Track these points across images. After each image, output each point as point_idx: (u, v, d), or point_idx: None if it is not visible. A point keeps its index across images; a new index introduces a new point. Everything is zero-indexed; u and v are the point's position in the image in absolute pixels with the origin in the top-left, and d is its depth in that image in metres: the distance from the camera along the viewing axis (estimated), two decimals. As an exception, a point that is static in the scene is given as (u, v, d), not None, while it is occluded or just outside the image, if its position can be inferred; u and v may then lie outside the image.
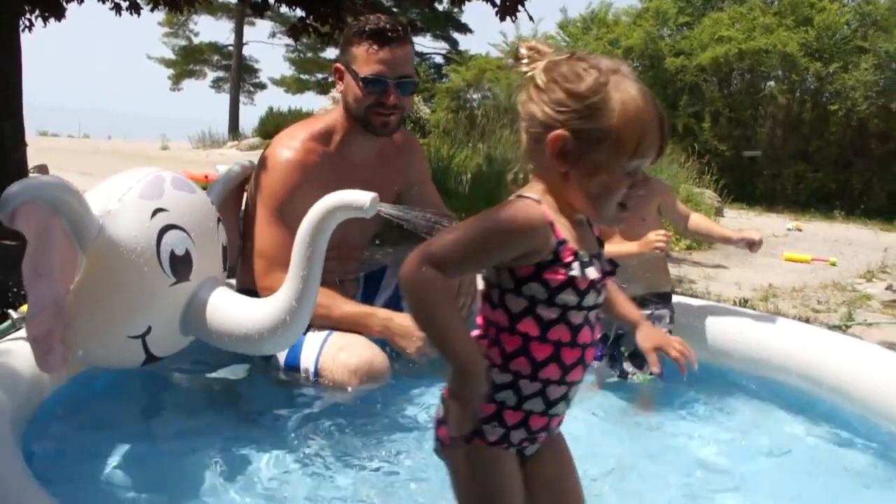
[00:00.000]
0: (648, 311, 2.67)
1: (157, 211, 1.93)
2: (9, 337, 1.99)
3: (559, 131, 1.33)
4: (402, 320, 2.43)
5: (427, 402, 2.46)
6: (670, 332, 2.67)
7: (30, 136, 6.33)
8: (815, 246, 9.61)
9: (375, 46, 2.43)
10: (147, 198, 1.94)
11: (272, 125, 23.30)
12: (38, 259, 1.71)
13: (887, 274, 7.27)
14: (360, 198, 1.85)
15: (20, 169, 6.19)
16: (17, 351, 1.92)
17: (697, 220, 2.86)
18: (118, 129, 31.44)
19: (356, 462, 2.03)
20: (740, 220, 12.17)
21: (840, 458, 2.28)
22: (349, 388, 2.31)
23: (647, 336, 1.96)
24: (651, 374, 2.65)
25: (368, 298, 2.72)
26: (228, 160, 17.87)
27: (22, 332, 1.97)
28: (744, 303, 5.40)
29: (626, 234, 2.66)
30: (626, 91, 1.33)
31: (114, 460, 1.94)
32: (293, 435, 2.14)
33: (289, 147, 2.45)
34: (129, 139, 25.80)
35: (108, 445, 1.99)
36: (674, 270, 7.32)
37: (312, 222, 1.88)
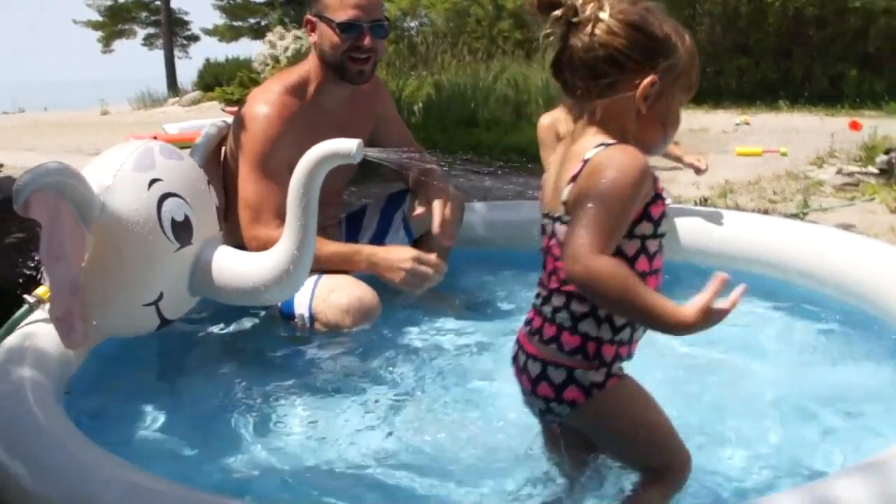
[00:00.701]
0: None
1: (153, 181, 2.00)
2: (29, 319, 2.06)
3: (651, 75, 1.40)
4: (386, 254, 2.54)
5: (421, 332, 2.61)
6: None
7: (-42, 116, 6.21)
8: (763, 138, 9.79)
9: None
10: (141, 170, 2.00)
11: (211, 76, 22.83)
12: (53, 243, 1.79)
13: (836, 158, 7.47)
14: (347, 145, 1.94)
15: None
16: (42, 332, 2.00)
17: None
18: (54, 99, 30.58)
19: (366, 397, 2.18)
20: (689, 120, 12.31)
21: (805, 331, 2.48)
22: (344, 329, 2.43)
23: None
24: None
25: (351, 239, 2.83)
26: (173, 118, 17.61)
27: (40, 314, 2.05)
28: (704, 201, 5.57)
29: None
30: (680, 31, 1.44)
31: (143, 421, 2.07)
32: (300, 379, 2.28)
33: (265, 102, 2.51)
34: (67, 108, 25.16)
35: (136, 407, 2.11)
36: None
37: (304, 173, 1.96)
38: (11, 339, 1.99)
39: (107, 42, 32.46)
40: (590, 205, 1.35)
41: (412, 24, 22.56)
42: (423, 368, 2.36)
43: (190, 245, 2.06)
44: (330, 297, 2.43)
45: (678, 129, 1.49)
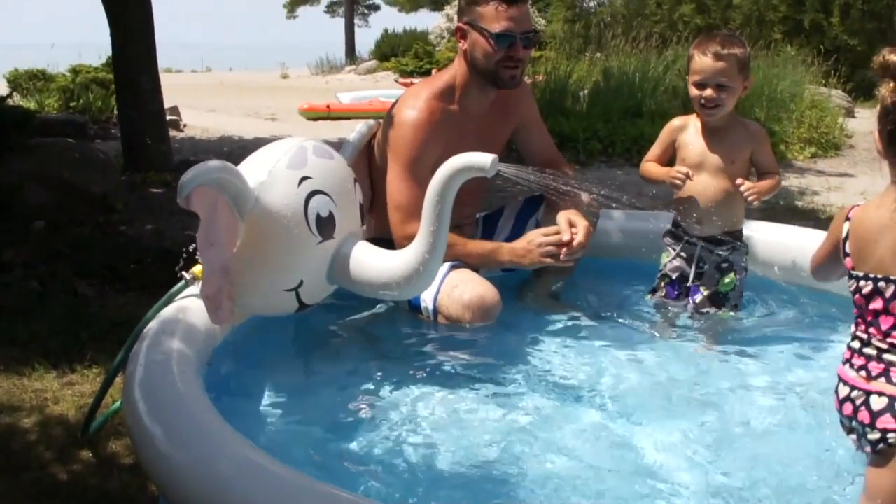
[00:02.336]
0: (723, 252, 2.78)
1: (303, 179, 2.17)
2: (182, 295, 2.30)
3: None
4: (519, 244, 2.67)
5: (540, 336, 2.69)
6: (745, 269, 2.82)
7: (158, 74, 6.68)
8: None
9: (504, 5, 2.61)
10: (294, 168, 2.18)
11: (387, 47, 23.51)
12: (209, 231, 1.99)
13: None
14: (482, 160, 2.03)
15: (158, 120, 6.59)
16: (192, 307, 2.22)
17: (766, 182, 2.78)
18: (238, 61, 32.30)
19: (476, 391, 2.31)
20: (873, 121, 11.52)
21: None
22: (465, 325, 2.55)
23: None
24: (730, 312, 2.79)
25: (487, 238, 2.94)
26: (348, 86, 18.25)
27: (192, 291, 2.27)
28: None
29: (715, 171, 2.72)
30: None
31: (271, 398, 2.28)
32: (421, 370, 2.43)
33: (414, 107, 2.64)
34: (250, 70, 26.54)
35: (267, 383, 2.32)
36: (797, 181, 7.20)
37: (440, 182, 2.08)
38: (168, 311, 2.22)
39: (291, 8, 33.91)
40: None
41: (591, 4, 22.30)
42: (533, 372, 2.45)
43: (332, 239, 2.22)
44: (454, 292, 2.55)
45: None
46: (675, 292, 2.87)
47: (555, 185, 2.51)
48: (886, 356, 1.69)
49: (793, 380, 2.44)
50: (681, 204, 2.81)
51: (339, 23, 32.83)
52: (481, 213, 3.04)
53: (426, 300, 2.60)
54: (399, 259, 2.21)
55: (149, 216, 5.16)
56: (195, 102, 13.59)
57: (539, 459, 2.00)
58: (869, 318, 1.72)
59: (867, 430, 1.69)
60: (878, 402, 1.68)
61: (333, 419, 2.16)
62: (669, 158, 2.87)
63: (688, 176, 2.70)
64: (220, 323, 2.18)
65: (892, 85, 1.67)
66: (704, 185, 2.74)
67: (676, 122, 2.85)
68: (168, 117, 9.63)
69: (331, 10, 34.34)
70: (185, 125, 10.15)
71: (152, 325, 2.16)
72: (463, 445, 2.06)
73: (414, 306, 2.64)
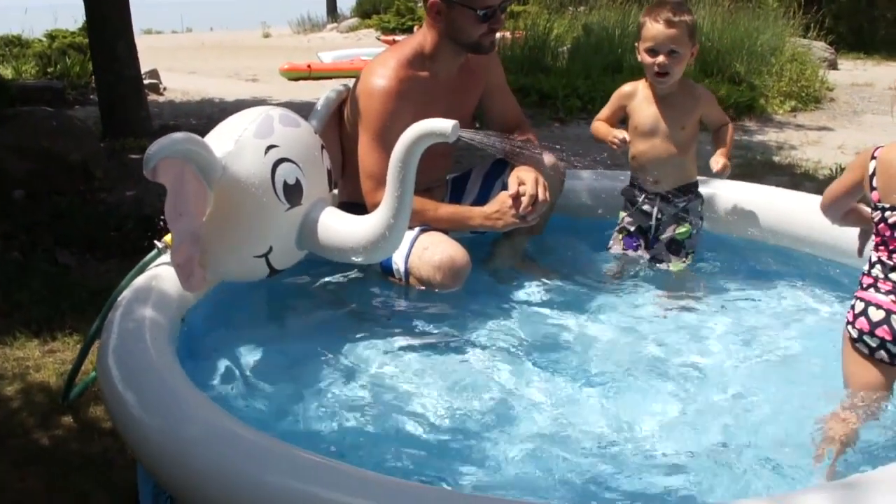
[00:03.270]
0: (681, 203, 2.89)
1: (269, 148, 2.21)
2: (154, 264, 2.35)
3: None
4: (492, 206, 2.71)
5: (510, 296, 2.76)
6: (701, 218, 2.95)
7: (136, 35, 6.62)
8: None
9: None
10: (260, 136, 2.22)
11: (369, 3, 23.21)
12: (176, 202, 2.03)
13: None
14: (443, 125, 2.08)
15: (135, 85, 6.56)
16: (164, 275, 2.28)
17: (721, 133, 2.94)
18: (219, 19, 31.94)
19: (451, 356, 2.38)
20: (855, 73, 11.65)
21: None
22: (436, 287, 2.61)
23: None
24: (684, 260, 2.92)
25: (455, 201, 2.99)
26: (330, 44, 18.01)
27: (165, 259, 2.32)
28: (841, 170, 5.37)
29: (666, 137, 2.85)
30: None
31: (242, 358, 2.35)
32: (392, 330, 2.50)
33: (383, 76, 2.67)
34: (231, 29, 26.24)
35: (238, 345, 2.38)
36: (775, 136, 7.25)
37: (402, 149, 2.13)
38: (141, 279, 2.28)
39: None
40: None
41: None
42: (506, 332, 2.52)
43: (300, 205, 2.27)
44: (424, 254, 2.61)
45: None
46: (635, 243, 2.98)
47: (517, 148, 2.56)
48: None
49: (752, 324, 2.59)
50: (636, 164, 2.94)
51: (321, -22, 32.46)
52: (451, 176, 3.09)
53: (397, 262, 2.66)
54: (365, 224, 2.26)
55: (128, 183, 5.18)
56: (175, 65, 13.48)
57: (509, 420, 2.07)
58: (880, 241, 1.96)
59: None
60: None
61: (303, 381, 2.23)
62: (619, 120, 2.98)
63: (624, 142, 2.83)
64: (193, 290, 2.24)
65: None
66: (658, 150, 2.86)
67: (626, 88, 2.95)
68: (148, 81, 9.57)
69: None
70: (165, 88, 10.08)
71: (126, 293, 2.22)
72: (432, 407, 2.13)
73: (385, 268, 2.69)
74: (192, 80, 11.59)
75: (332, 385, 2.23)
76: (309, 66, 12.37)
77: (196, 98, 9.47)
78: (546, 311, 2.68)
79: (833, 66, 11.45)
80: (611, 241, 3.05)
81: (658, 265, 2.95)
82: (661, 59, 2.72)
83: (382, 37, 17.35)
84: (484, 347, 2.44)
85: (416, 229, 2.65)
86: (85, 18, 6.89)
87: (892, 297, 1.92)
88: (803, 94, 8.81)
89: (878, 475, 1.48)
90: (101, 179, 5.25)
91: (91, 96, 8.56)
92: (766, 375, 2.26)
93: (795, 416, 2.02)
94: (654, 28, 2.73)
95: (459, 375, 2.28)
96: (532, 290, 2.83)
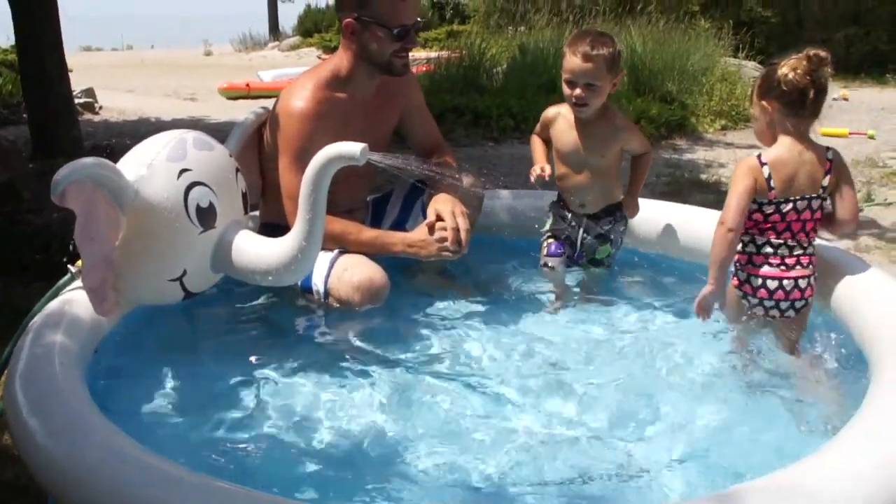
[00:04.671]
0: (606, 226, 2.97)
1: (182, 171, 2.23)
2: (69, 288, 2.34)
3: None
4: (415, 235, 2.75)
5: (431, 314, 2.81)
6: (621, 240, 3.05)
7: (74, 52, 6.58)
8: (858, 117, 9.51)
9: (400, 1, 2.70)
10: (173, 160, 2.23)
11: (311, 22, 23.24)
12: (86, 226, 2.04)
13: (926, 146, 7.24)
14: (352, 149, 2.13)
15: (65, 103, 6.46)
16: (78, 300, 2.27)
17: (638, 167, 3.03)
18: (160, 36, 31.63)
19: (368, 373, 2.41)
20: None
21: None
22: (355, 307, 2.64)
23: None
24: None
25: (376, 222, 3.04)
26: (271, 63, 17.95)
27: (79, 283, 2.32)
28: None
29: (587, 164, 2.91)
30: None
31: (161, 384, 2.34)
32: (309, 353, 2.52)
33: (301, 98, 2.71)
34: (172, 47, 26.02)
35: (152, 370, 2.38)
36: (705, 154, 7.43)
37: (312, 173, 2.17)
38: (53, 304, 2.27)
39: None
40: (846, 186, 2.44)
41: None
42: (427, 350, 2.57)
43: (213, 229, 2.29)
44: (344, 274, 2.65)
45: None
46: (560, 250, 3.00)
47: (431, 173, 2.62)
48: (797, 251, 2.44)
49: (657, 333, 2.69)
50: (561, 186, 3.01)
51: (264, -5, 32.36)
52: (372, 196, 3.13)
53: (317, 283, 2.68)
54: (278, 246, 2.29)
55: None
56: (113, 83, 13.33)
57: (429, 440, 2.09)
58: (782, 228, 2.42)
59: (797, 302, 2.45)
60: (803, 282, 2.44)
61: (216, 404, 2.22)
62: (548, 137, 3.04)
63: (541, 178, 2.90)
64: (106, 314, 2.24)
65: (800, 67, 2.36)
66: (579, 175, 2.93)
67: (550, 111, 3.01)
68: (83, 100, 9.46)
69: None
70: (100, 107, 9.96)
71: (36, 319, 2.21)
72: (349, 427, 2.14)
73: (305, 289, 2.72)
74: (130, 98, 11.47)
75: (245, 407, 2.23)
76: (248, 86, 12.34)
77: (132, 118, 9.37)
78: (467, 328, 2.73)
79: (764, 85, 11.76)
80: (541, 248, 3.04)
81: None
82: (577, 91, 2.77)
83: (324, 55, 17.39)
84: (404, 365, 2.47)
85: (336, 250, 2.69)
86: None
87: (783, 267, 2.44)
88: (733, 113, 9.05)
89: (758, 484, 1.55)
90: (28, 201, 5.17)
91: (25, 115, 8.42)
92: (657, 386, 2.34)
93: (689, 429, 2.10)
94: (572, 61, 2.77)
95: (379, 393, 2.30)
96: (453, 308, 2.87)
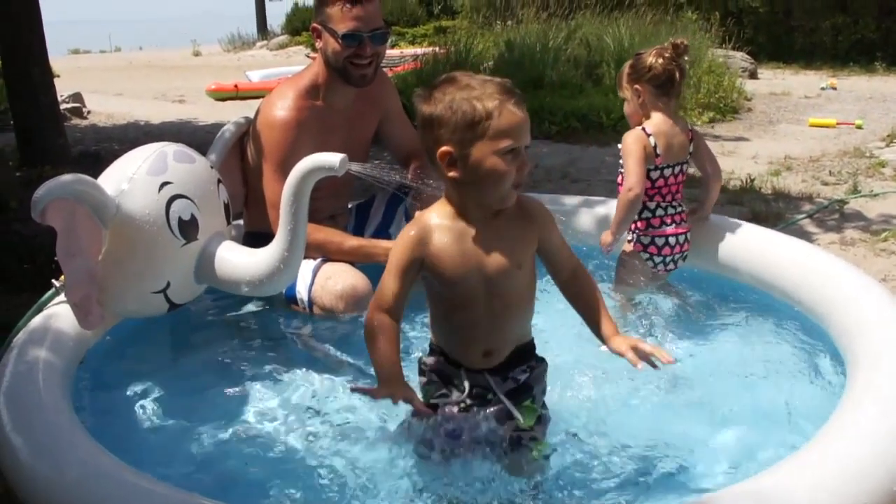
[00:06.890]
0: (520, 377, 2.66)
1: (163, 185, 2.24)
2: (53, 303, 2.35)
3: None
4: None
5: (416, 322, 2.80)
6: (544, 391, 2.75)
7: (63, 56, 6.56)
8: (846, 106, 9.52)
9: (349, 5, 2.67)
10: (154, 174, 2.25)
11: (299, 21, 23.19)
12: (68, 243, 2.05)
13: (913, 135, 7.21)
14: (331, 160, 2.13)
15: (52, 111, 6.45)
16: (63, 314, 2.28)
17: None
18: (149, 37, 31.54)
19: (354, 381, 2.39)
20: (774, 82, 12.01)
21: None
22: (339, 315, 2.65)
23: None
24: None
25: (359, 227, 3.05)
26: (260, 62, 17.85)
27: (63, 297, 2.33)
28: (751, 181, 5.53)
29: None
30: None
31: (148, 395, 2.34)
32: (295, 363, 2.51)
33: (282, 108, 2.72)
34: (161, 48, 25.95)
35: (142, 383, 2.38)
36: (693, 147, 7.42)
37: (293, 183, 2.18)
38: (36, 320, 2.28)
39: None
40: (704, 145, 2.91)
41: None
42: (412, 357, 2.56)
43: (196, 241, 2.30)
44: (327, 283, 2.66)
45: None
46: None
47: (409, 182, 2.62)
48: (680, 209, 2.86)
49: None
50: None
51: (252, -6, 32.27)
52: (355, 202, 3.14)
53: (301, 291, 2.70)
54: (261, 257, 2.30)
55: (45, 213, 5.08)
56: (101, 87, 13.28)
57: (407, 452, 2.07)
58: (665, 191, 2.82)
59: (685, 253, 2.87)
60: (687, 236, 2.85)
61: (203, 416, 2.23)
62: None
63: None
64: (91, 328, 2.24)
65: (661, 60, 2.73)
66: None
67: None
68: (70, 105, 9.44)
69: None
70: (88, 112, 9.93)
71: (20, 335, 2.22)
72: (333, 441, 2.12)
73: (289, 298, 2.73)
74: (118, 102, 11.44)
75: (230, 421, 2.22)
76: (236, 87, 12.30)
77: (121, 122, 9.34)
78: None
79: (753, 75, 11.80)
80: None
81: None
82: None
83: (312, 54, 17.37)
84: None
85: (320, 259, 2.70)
86: (-1, 44, 6.76)
87: (673, 225, 2.83)
88: (721, 105, 9.05)
89: (736, 490, 1.57)
90: (15, 210, 5.16)
91: (11, 123, 8.40)
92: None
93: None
94: (514, 116, 1.79)
95: (365, 402, 2.29)
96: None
